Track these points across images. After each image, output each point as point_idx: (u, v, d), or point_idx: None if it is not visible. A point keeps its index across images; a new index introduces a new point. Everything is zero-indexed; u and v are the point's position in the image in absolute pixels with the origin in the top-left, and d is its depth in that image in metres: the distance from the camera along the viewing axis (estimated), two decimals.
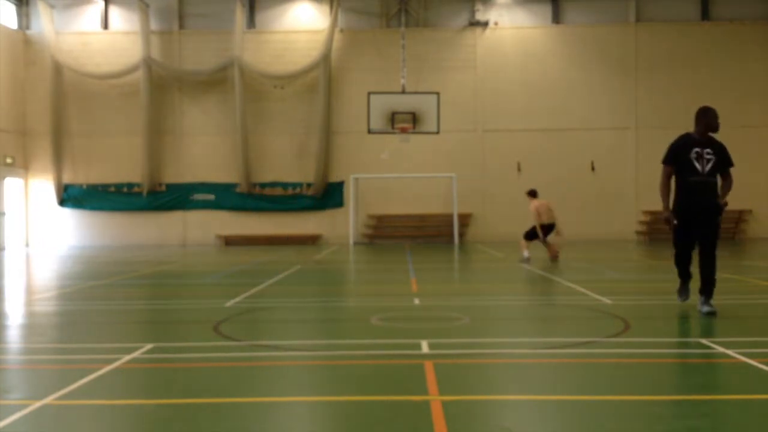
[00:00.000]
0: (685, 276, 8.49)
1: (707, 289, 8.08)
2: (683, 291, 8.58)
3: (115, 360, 6.04)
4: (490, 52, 27.20)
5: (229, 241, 27.01)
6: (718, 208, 7.98)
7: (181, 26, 27.56)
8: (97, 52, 27.31)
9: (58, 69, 26.84)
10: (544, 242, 16.29)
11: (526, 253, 16.24)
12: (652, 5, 27.29)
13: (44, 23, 26.82)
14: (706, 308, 8.04)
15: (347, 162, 27.03)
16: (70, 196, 27.39)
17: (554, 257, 16.12)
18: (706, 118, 8.16)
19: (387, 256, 20.11)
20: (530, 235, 16.40)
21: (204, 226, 27.32)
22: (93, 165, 27.36)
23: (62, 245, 26.84)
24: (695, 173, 7.99)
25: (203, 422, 4.38)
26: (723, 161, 8.08)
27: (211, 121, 27.32)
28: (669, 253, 9.11)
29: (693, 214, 8.02)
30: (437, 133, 23.89)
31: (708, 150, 8.03)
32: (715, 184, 8.06)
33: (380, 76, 26.58)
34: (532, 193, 16.68)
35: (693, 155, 8.00)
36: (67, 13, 27.53)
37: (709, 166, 8.00)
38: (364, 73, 26.95)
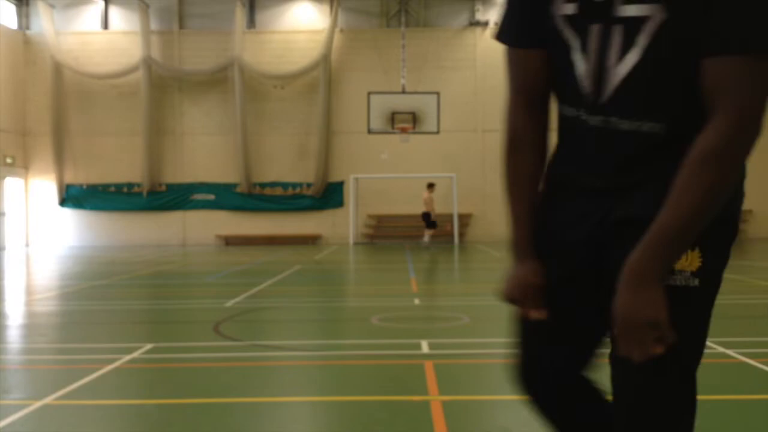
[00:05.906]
0: None
1: None
2: None
3: (115, 360, 6.04)
4: (490, 51, 27.16)
5: (229, 241, 27.01)
6: None
7: (181, 26, 27.55)
8: (97, 52, 27.30)
9: (58, 69, 26.82)
10: None
11: None
12: None
13: (44, 23, 26.80)
14: None
15: (347, 162, 27.01)
16: (70, 196, 27.37)
17: None
18: None
19: (387, 256, 20.11)
20: None
21: (204, 226, 27.31)
22: (93, 165, 27.34)
23: (62, 245, 26.83)
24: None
25: (203, 422, 4.37)
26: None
27: (211, 121, 27.31)
28: None
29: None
30: (437, 133, 23.87)
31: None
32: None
33: (380, 76, 26.57)
34: None
35: None
36: (67, 13, 27.52)
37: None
38: (364, 73, 26.94)
